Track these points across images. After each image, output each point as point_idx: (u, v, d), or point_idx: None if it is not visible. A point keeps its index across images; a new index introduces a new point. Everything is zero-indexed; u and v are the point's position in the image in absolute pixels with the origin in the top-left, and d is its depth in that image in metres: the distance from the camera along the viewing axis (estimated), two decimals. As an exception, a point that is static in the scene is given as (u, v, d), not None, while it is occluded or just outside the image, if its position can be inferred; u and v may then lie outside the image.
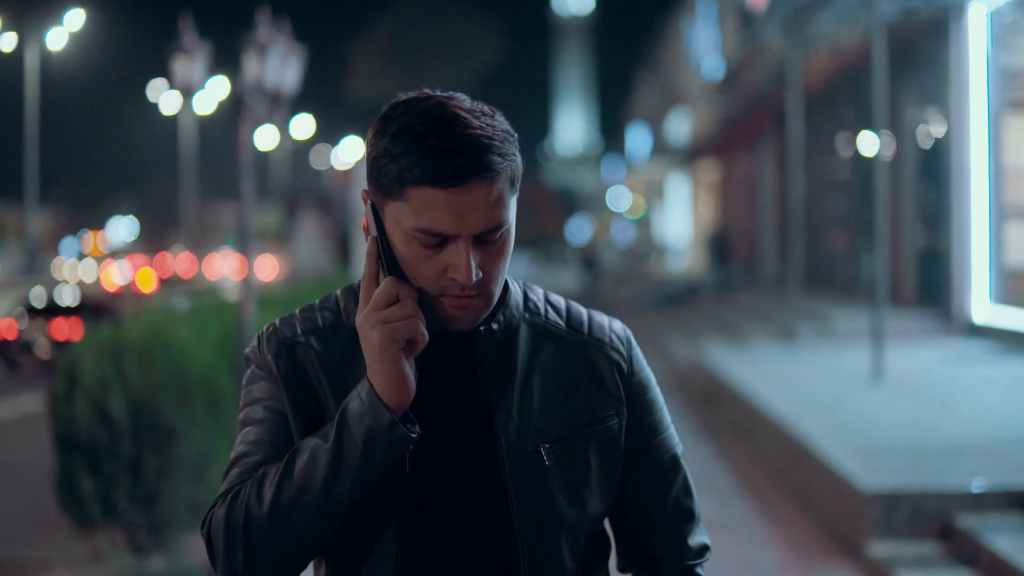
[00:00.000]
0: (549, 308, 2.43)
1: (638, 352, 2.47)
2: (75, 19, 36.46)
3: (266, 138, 42.01)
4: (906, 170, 21.74)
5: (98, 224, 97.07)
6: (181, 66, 9.41)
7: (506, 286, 2.37)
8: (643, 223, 78.55)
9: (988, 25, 18.00)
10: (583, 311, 2.47)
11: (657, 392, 2.48)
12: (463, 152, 2.14)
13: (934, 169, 20.11)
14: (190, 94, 9.99)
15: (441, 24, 79.59)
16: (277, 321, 2.36)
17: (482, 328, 2.29)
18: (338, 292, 2.38)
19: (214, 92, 33.39)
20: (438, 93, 2.22)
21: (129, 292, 44.43)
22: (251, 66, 9.11)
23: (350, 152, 39.58)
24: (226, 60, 10.95)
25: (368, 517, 2.25)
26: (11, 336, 25.24)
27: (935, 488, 8.40)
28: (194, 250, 60.04)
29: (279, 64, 9.22)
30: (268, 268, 48.25)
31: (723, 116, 41.95)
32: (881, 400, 12.36)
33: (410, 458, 2.23)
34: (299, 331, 2.32)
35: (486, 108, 2.24)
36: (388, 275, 2.19)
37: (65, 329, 24.95)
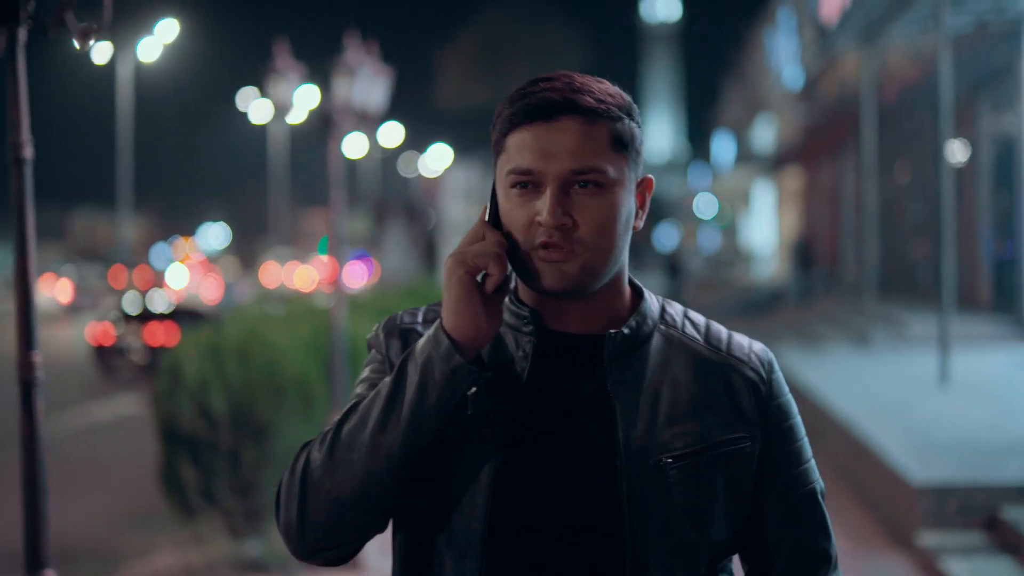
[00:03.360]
0: (687, 322, 2.35)
1: (779, 376, 2.35)
2: (167, 30, 37.30)
3: (355, 147, 42.68)
4: (981, 178, 22.06)
5: (189, 230, 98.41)
6: (275, 87, 10.08)
7: (641, 293, 2.33)
8: (729, 230, 78.75)
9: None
10: (723, 329, 2.38)
11: (798, 421, 2.35)
12: (555, 90, 2.15)
13: (1008, 177, 20.45)
14: (284, 112, 10.64)
15: (529, 32, 80.00)
16: (402, 311, 2.40)
17: (612, 331, 2.24)
18: None
19: (304, 102, 33.99)
20: None
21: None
22: (340, 88, 9.78)
23: (438, 160, 39.75)
24: (317, 76, 11.63)
25: (459, 507, 2.19)
26: (108, 342, 26.12)
27: (984, 482, 8.88)
28: (283, 258, 60.90)
29: (367, 86, 9.88)
30: (360, 274, 49.09)
31: (805, 124, 42.22)
32: (945, 402, 12.80)
33: (515, 455, 2.18)
34: (419, 319, 2.34)
35: (601, 78, 2.26)
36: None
37: (160, 334, 25.75)
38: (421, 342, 2.15)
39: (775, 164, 53.16)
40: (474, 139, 57.97)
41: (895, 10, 18.29)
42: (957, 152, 23.06)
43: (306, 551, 2.18)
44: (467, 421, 2.16)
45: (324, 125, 10.07)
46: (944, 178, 15.23)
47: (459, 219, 25.55)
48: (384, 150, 56.76)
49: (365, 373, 2.32)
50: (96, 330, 26.73)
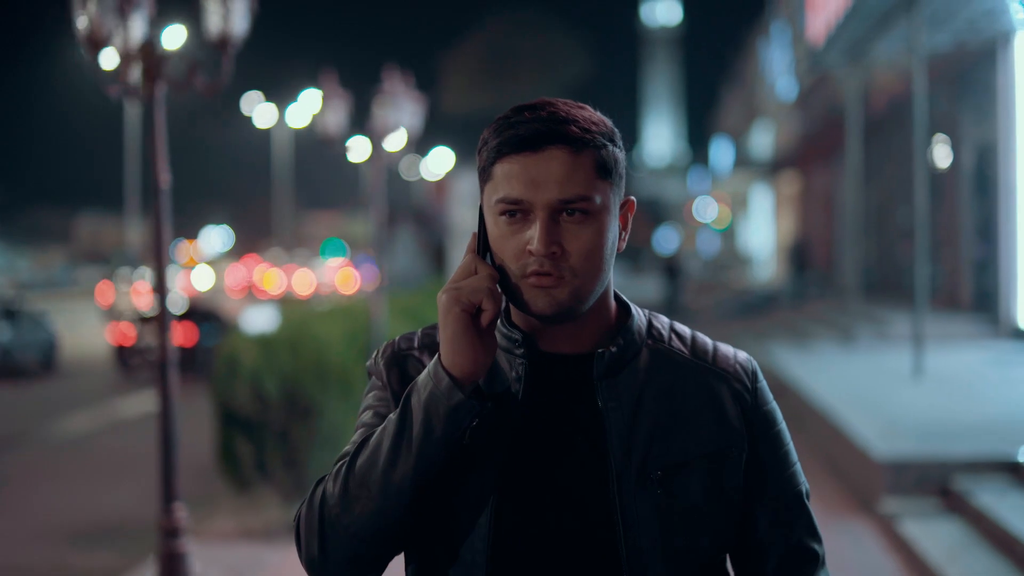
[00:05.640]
0: (673, 336, 2.41)
1: (763, 385, 2.42)
2: (175, 35, 38.38)
3: (360, 151, 43.50)
4: (963, 185, 23.25)
5: (192, 234, 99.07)
6: (322, 115, 11.41)
7: (628, 311, 2.39)
8: (728, 234, 79.59)
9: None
10: (708, 341, 2.44)
11: (782, 427, 2.42)
12: (541, 121, 2.19)
13: (987, 184, 21.71)
14: (330, 142, 11.93)
15: (531, 37, 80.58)
16: (398, 337, 2.46)
17: (600, 350, 2.30)
18: None
19: (308, 105, 35.00)
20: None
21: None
22: (381, 115, 11.15)
23: (439, 163, 40.35)
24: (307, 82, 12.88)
25: (462, 530, 2.26)
26: (128, 342, 26.88)
27: (938, 457, 10.19)
28: (284, 261, 61.53)
29: (405, 114, 11.26)
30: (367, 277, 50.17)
31: (801, 132, 43.30)
32: (915, 392, 14.11)
33: (514, 476, 2.25)
34: (415, 345, 2.40)
35: (582, 104, 2.30)
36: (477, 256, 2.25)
37: (178, 334, 26.07)
38: (422, 377, 2.22)
39: (773, 169, 53.85)
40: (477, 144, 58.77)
41: (876, 31, 19.59)
42: (940, 158, 24.35)
43: None
44: (467, 446, 2.22)
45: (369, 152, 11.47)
46: (919, 187, 16.54)
47: (466, 224, 26.67)
48: (388, 154, 57.64)
49: (369, 401, 2.39)
50: (116, 330, 27.56)
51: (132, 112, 46.51)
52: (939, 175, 24.48)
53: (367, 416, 2.35)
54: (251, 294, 51.46)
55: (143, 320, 27.35)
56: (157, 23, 5.97)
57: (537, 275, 2.18)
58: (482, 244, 2.25)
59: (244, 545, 10.18)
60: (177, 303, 29.53)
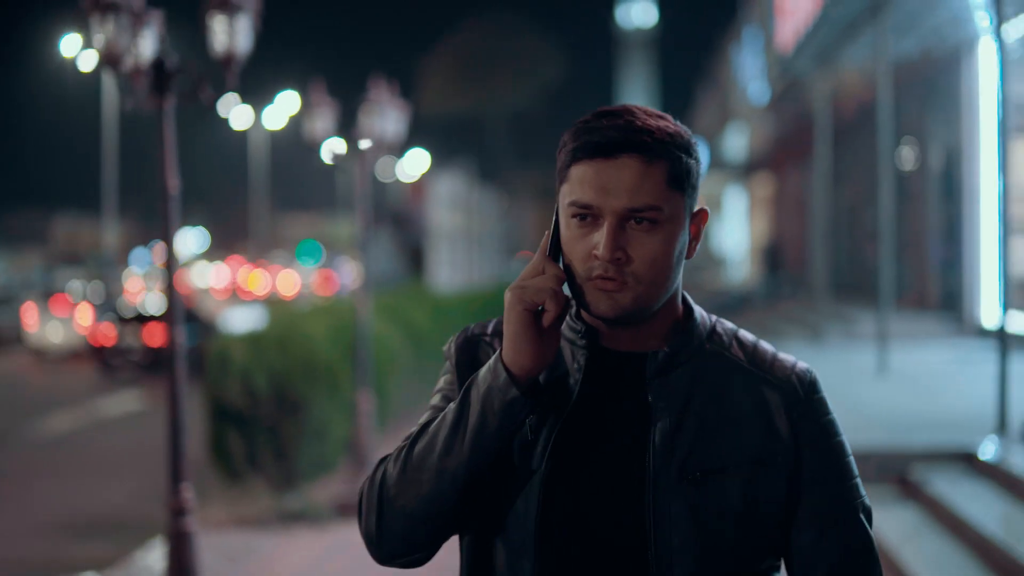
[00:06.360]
0: (734, 342, 2.43)
1: (821, 396, 2.41)
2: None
3: (344, 154, 43.41)
4: (930, 187, 23.78)
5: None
6: (311, 122, 11.88)
7: (691, 313, 2.43)
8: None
9: (998, 60, 20.17)
10: (769, 349, 2.45)
11: (840, 440, 2.41)
12: (617, 129, 2.24)
13: (953, 187, 22.26)
14: (316, 147, 12.41)
15: (507, 40, 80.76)
16: (474, 323, 2.52)
17: (654, 350, 2.34)
18: None
19: (284, 107, 35.26)
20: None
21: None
22: (367, 122, 11.65)
23: (415, 165, 40.47)
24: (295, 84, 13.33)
25: (514, 512, 2.32)
26: (109, 342, 27.25)
27: (898, 448, 10.73)
28: (257, 263, 61.73)
29: (390, 121, 11.77)
30: (352, 274, 50.57)
31: (774, 134, 43.72)
32: (878, 387, 14.66)
33: (562, 462, 2.30)
34: (488, 331, 2.47)
35: (662, 113, 2.34)
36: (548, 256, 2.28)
37: (158, 335, 26.65)
38: (483, 371, 2.29)
39: (746, 171, 54.21)
40: (455, 147, 59.34)
41: (844, 38, 20.13)
42: (906, 161, 24.92)
43: (385, 557, 2.37)
44: (522, 434, 2.31)
45: (352, 154, 11.98)
46: (884, 190, 17.09)
47: (446, 226, 27.08)
48: (372, 160, 57.76)
49: (440, 384, 2.48)
50: (96, 331, 27.90)
51: (109, 114, 46.54)
52: (907, 178, 25.07)
53: (436, 399, 2.44)
54: (235, 295, 51.67)
55: (123, 321, 27.69)
56: (166, 41, 6.46)
57: (601, 279, 2.24)
58: (554, 244, 2.30)
59: (236, 532, 10.67)
60: (156, 303, 29.79)
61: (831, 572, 2.32)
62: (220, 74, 6.37)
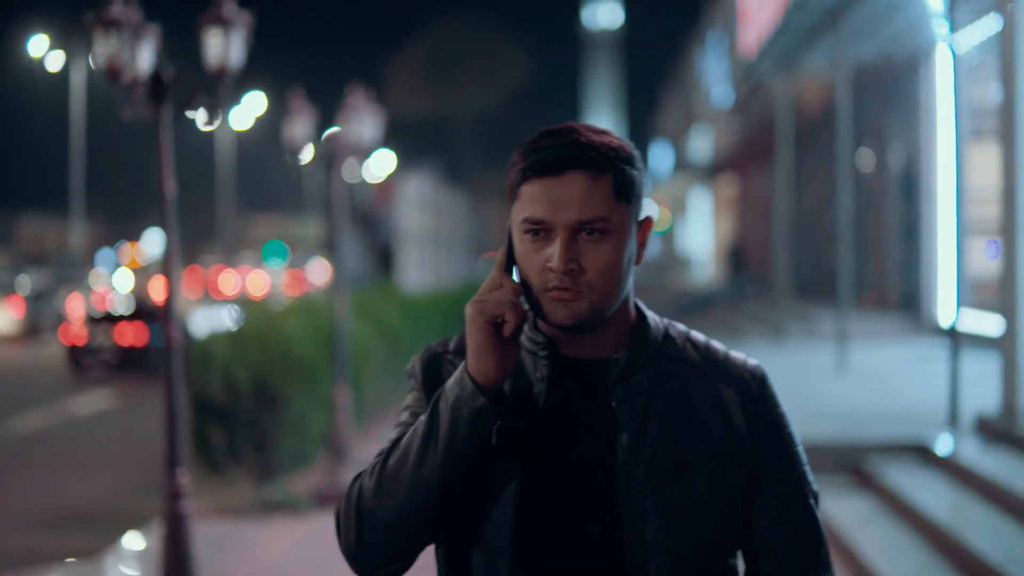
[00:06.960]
0: (687, 343, 2.52)
1: (771, 391, 2.52)
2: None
3: (304, 153, 43.73)
4: (890, 189, 24.29)
5: (134, 236, 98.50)
6: (291, 128, 12.30)
7: (644, 317, 2.50)
8: (667, 236, 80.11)
9: (953, 65, 20.69)
10: (721, 347, 2.54)
11: (790, 431, 2.54)
12: (563, 147, 2.33)
13: (912, 189, 22.75)
14: (297, 151, 12.82)
15: (473, 41, 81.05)
16: (436, 341, 2.61)
17: (614, 356, 2.44)
18: None
19: (251, 108, 35.47)
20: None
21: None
22: (343, 127, 12.09)
23: (381, 166, 40.64)
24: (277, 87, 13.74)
25: (488, 517, 2.40)
26: (80, 342, 27.31)
27: (852, 441, 11.20)
28: (229, 263, 61.84)
29: (364, 126, 12.22)
30: (321, 273, 50.97)
31: (738, 137, 44.08)
32: (836, 384, 15.15)
33: (534, 468, 2.39)
34: (450, 348, 2.56)
35: (604, 128, 2.43)
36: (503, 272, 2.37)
37: (129, 334, 27.02)
38: (450, 382, 2.37)
39: (711, 173, 54.40)
40: (422, 148, 59.55)
41: (805, 44, 20.61)
42: (867, 163, 25.43)
43: (367, 569, 2.43)
44: (496, 445, 2.37)
45: (328, 160, 12.42)
46: (843, 192, 17.59)
47: (415, 227, 27.46)
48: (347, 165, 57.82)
49: (408, 401, 2.55)
50: (69, 330, 28.00)
51: (76, 113, 46.56)
52: (868, 180, 25.58)
53: (405, 416, 2.51)
54: (207, 295, 51.82)
55: (94, 321, 27.79)
56: (163, 54, 6.88)
57: (557, 290, 2.33)
58: (509, 259, 2.40)
59: (219, 521, 11.07)
60: (124, 303, 30.03)
61: (786, 553, 2.46)
62: (214, 85, 6.79)
